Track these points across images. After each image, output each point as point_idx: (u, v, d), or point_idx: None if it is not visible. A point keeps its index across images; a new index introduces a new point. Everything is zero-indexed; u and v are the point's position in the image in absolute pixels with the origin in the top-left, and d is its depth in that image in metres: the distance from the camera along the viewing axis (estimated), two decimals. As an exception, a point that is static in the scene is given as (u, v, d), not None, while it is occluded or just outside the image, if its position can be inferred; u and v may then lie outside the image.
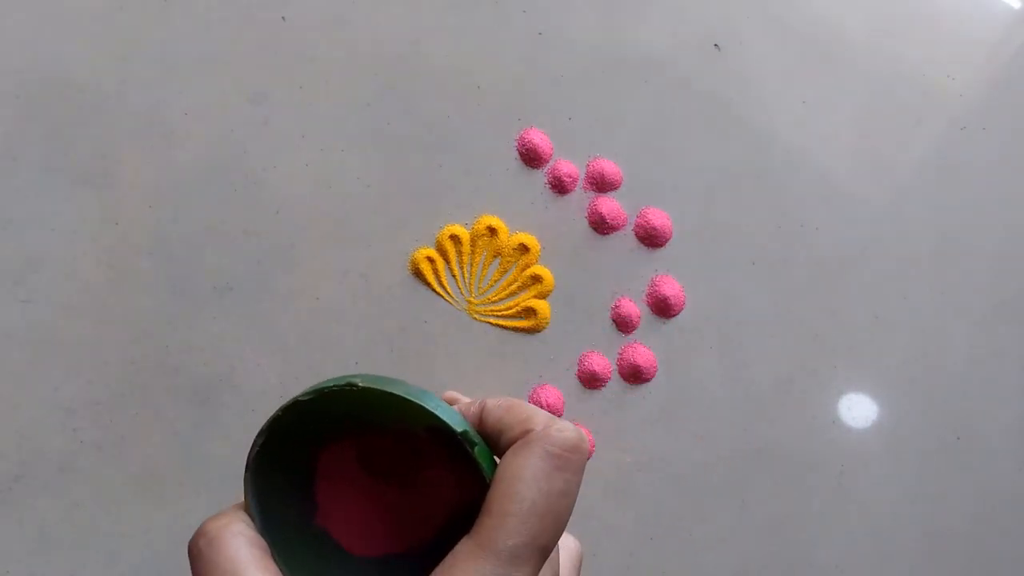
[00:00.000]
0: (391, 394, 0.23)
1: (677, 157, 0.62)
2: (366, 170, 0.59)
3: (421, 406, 0.23)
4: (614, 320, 0.60)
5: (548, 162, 0.61)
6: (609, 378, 0.60)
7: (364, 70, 0.60)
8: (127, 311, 0.56)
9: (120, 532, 0.55)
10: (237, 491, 0.25)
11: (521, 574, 0.21)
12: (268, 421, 0.24)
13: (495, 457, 0.24)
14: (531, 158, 0.60)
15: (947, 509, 0.62)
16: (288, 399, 0.24)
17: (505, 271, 0.60)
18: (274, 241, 0.58)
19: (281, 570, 0.23)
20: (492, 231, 0.59)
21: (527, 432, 0.23)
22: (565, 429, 0.23)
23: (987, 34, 0.66)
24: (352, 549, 0.26)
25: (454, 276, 0.59)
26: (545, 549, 0.22)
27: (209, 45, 0.59)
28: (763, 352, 0.61)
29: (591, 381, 0.59)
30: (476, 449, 0.24)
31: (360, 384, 0.23)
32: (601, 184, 0.60)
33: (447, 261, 0.59)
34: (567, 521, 0.23)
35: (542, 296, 0.60)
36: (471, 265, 0.60)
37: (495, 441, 0.24)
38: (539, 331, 0.60)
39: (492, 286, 0.60)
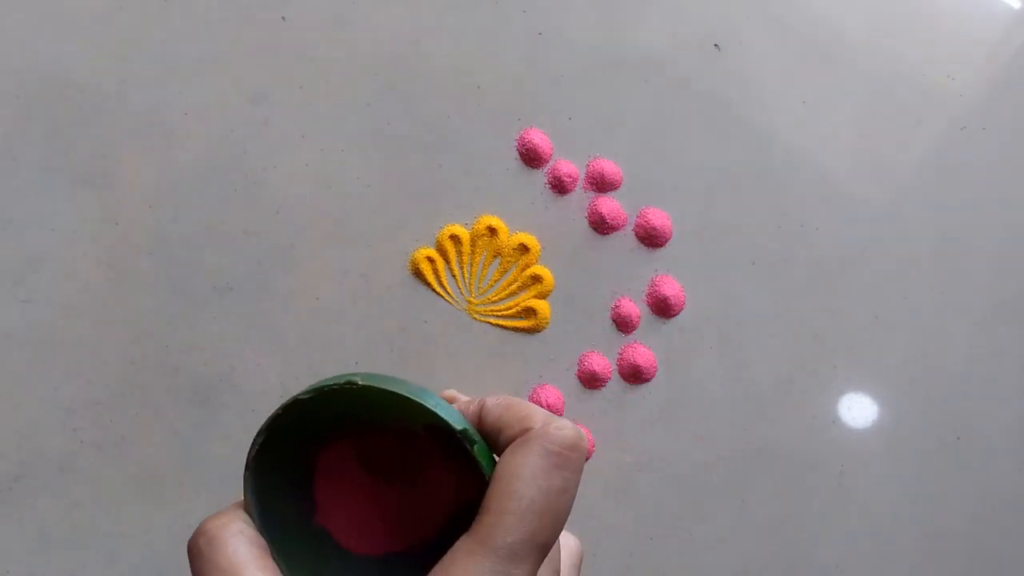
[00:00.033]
0: (391, 392, 0.23)
1: (677, 157, 0.62)
2: (366, 170, 0.59)
3: (421, 404, 0.23)
4: (614, 320, 0.60)
5: (548, 162, 0.61)
6: (609, 378, 0.60)
7: (364, 70, 0.60)
8: (127, 311, 0.56)
9: (120, 532, 0.55)
10: (237, 491, 0.25)
11: (520, 572, 0.21)
12: (268, 420, 0.24)
13: (494, 455, 0.24)
14: (531, 158, 0.60)
15: (947, 509, 0.62)
16: (288, 398, 0.24)
17: (505, 271, 0.60)
18: (274, 241, 0.58)
19: (281, 569, 0.23)
20: (492, 231, 0.59)
21: (526, 430, 0.23)
22: (564, 427, 0.23)
23: (987, 34, 0.66)
24: (352, 548, 0.26)
25: (454, 276, 0.59)
26: (544, 547, 0.22)
27: (209, 45, 0.59)
28: (763, 352, 0.61)
29: (591, 381, 0.59)
30: (475, 447, 0.24)
31: (360, 382, 0.23)
32: (601, 184, 0.60)
33: (447, 261, 0.59)
34: (566, 519, 0.23)
35: (542, 296, 0.60)
36: (471, 265, 0.60)
37: (494, 439, 0.24)
38: (539, 331, 0.60)
39: (492, 286, 0.60)
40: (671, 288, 0.60)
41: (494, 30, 0.61)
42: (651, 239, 0.60)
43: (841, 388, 0.62)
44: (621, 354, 0.60)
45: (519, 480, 0.22)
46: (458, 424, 0.24)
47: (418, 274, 0.59)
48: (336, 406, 0.24)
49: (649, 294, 0.60)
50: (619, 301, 0.60)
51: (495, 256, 0.60)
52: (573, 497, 0.23)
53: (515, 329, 0.59)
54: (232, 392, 0.57)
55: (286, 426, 0.24)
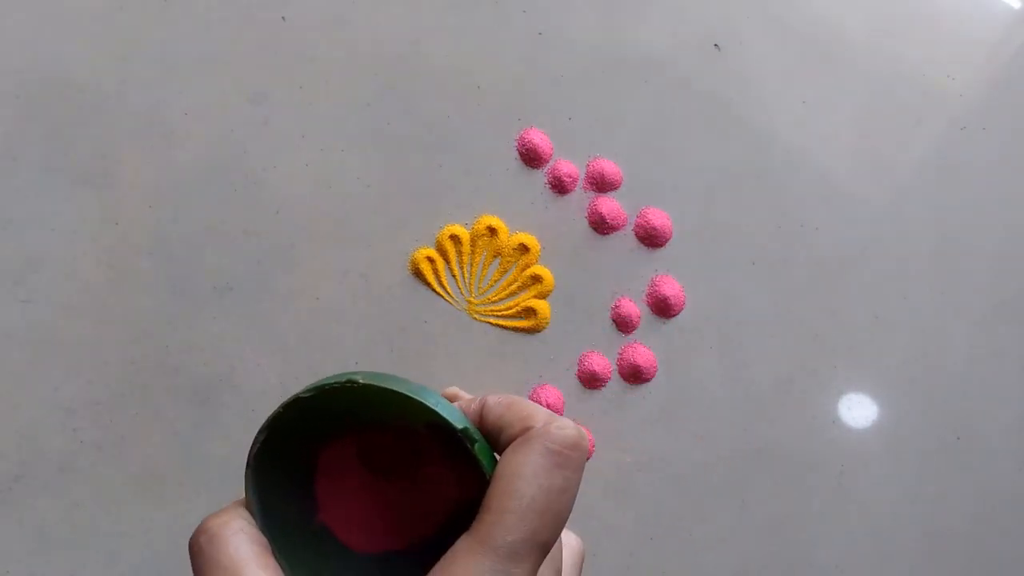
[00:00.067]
0: (392, 391, 0.23)
1: (677, 157, 0.62)
2: (366, 170, 0.59)
3: (421, 403, 0.23)
4: (614, 320, 0.60)
5: (548, 162, 0.61)
6: (609, 378, 0.60)
7: (364, 70, 0.60)
8: (127, 311, 0.56)
9: (120, 532, 0.55)
10: (237, 490, 0.25)
11: (520, 570, 0.21)
12: (269, 418, 0.24)
13: (495, 454, 0.24)
14: (531, 158, 0.60)
15: (947, 509, 0.62)
16: (289, 396, 0.24)
17: (505, 271, 0.60)
18: (274, 241, 0.58)
19: (282, 567, 0.23)
20: (492, 231, 0.59)
21: (527, 429, 0.23)
22: (565, 427, 0.23)
23: (987, 34, 0.66)
24: (353, 546, 0.26)
25: (454, 276, 0.59)
26: (544, 546, 0.22)
27: (209, 45, 0.59)
28: (763, 352, 0.61)
29: (591, 381, 0.59)
30: (476, 446, 0.24)
31: (361, 381, 0.23)
32: (601, 184, 0.60)
33: (447, 261, 0.59)
34: (567, 518, 0.23)
35: (542, 296, 0.60)
36: (471, 265, 0.60)
37: (495, 438, 0.24)
38: (539, 331, 0.60)
39: (492, 286, 0.60)
40: (671, 288, 0.60)
41: (494, 30, 0.61)
42: (651, 239, 0.60)
43: (841, 388, 0.62)
44: (621, 354, 0.60)
45: (520, 479, 0.22)
46: (459, 423, 0.24)
47: (418, 274, 0.59)
48: (337, 404, 0.24)
49: (649, 294, 0.60)
50: (619, 301, 0.60)
51: (495, 256, 0.60)
52: (574, 496, 0.23)
53: (515, 329, 0.59)
54: (232, 392, 0.57)
55: (287, 424, 0.24)
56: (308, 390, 0.24)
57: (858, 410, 0.62)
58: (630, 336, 0.60)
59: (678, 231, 0.61)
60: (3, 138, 0.57)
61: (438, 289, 0.59)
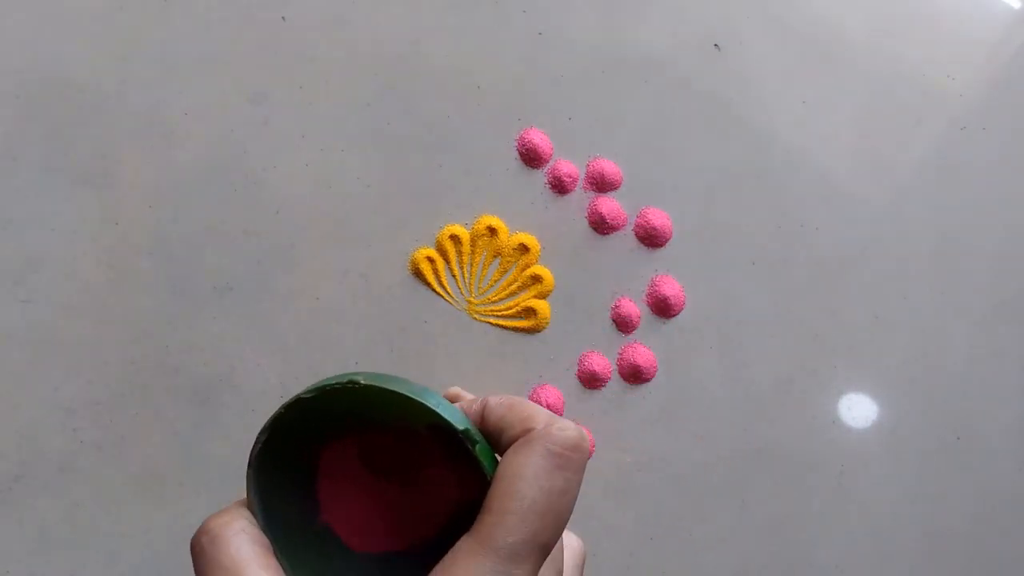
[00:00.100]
0: (393, 391, 0.23)
1: (677, 157, 0.62)
2: (366, 170, 0.59)
3: (423, 404, 0.23)
4: (614, 320, 0.60)
5: (548, 162, 0.61)
6: (609, 378, 0.60)
7: (364, 70, 0.60)
8: (127, 311, 0.56)
9: (120, 532, 0.55)
10: (237, 491, 0.25)
11: (521, 572, 0.21)
12: (270, 418, 0.24)
13: (496, 455, 0.24)
14: (531, 158, 0.60)
15: (947, 509, 0.62)
16: (290, 397, 0.24)
17: (505, 271, 0.60)
18: (274, 241, 0.58)
19: (283, 567, 0.23)
20: (492, 231, 0.59)
21: (528, 430, 0.23)
22: (566, 428, 0.23)
23: (987, 34, 0.66)
24: (354, 546, 0.26)
25: (454, 276, 0.59)
26: (545, 547, 0.22)
27: (209, 45, 0.59)
28: (763, 352, 0.61)
29: (591, 381, 0.59)
30: (477, 447, 0.24)
31: (362, 382, 0.23)
32: (601, 184, 0.60)
33: (447, 261, 0.59)
34: (568, 520, 0.23)
35: (542, 296, 0.60)
36: (471, 265, 0.60)
37: (496, 439, 0.24)
38: (539, 331, 0.60)
39: (492, 286, 0.60)
40: (671, 288, 0.60)
41: (494, 30, 0.61)
42: (651, 239, 0.60)
43: (841, 388, 0.62)
44: (621, 354, 0.60)
45: (521, 480, 0.22)
46: (460, 424, 0.24)
47: (418, 274, 0.59)
48: (338, 405, 0.24)
49: (649, 294, 0.60)
50: (619, 301, 0.60)
51: (495, 256, 0.60)
52: (575, 498, 0.23)
53: (515, 329, 0.59)
54: (232, 392, 0.57)
55: (289, 425, 0.24)
56: (309, 391, 0.24)
57: (858, 410, 0.62)
58: (630, 336, 0.60)
59: (678, 231, 0.61)
60: (3, 138, 0.57)
61: (438, 289, 0.59)
